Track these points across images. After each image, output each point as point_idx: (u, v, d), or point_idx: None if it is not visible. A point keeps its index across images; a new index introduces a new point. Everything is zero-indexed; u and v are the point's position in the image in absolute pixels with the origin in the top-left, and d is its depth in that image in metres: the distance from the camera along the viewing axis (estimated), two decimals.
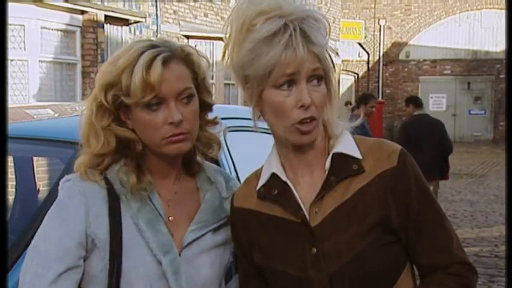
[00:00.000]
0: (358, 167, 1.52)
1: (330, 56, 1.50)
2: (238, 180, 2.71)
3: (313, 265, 1.51)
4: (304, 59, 1.44)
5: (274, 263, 1.57)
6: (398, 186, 1.51)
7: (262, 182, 1.60)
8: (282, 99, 1.47)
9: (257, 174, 1.64)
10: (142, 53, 1.56)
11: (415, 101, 8.52)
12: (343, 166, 1.53)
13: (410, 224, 1.52)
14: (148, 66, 1.53)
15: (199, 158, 1.73)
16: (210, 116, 1.74)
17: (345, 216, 1.50)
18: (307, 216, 1.53)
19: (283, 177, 1.57)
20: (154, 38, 1.64)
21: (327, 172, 1.54)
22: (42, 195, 3.19)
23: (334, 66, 1.52)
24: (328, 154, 1.55)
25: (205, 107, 1.69)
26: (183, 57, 1.62)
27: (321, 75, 1.48)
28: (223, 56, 1.53)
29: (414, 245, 1.54)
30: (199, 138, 1.68)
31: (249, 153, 3.21)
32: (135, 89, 1.53)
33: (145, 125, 1.57)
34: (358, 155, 1.54)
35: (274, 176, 1.58)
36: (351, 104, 17.83)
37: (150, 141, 1.59)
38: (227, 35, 1.51)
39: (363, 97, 8.85)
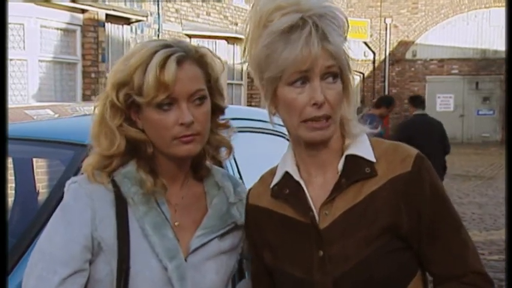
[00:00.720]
0: (370, 170, 1.51)
1: (346, 54, 1.49)
2: (242, 181, 2.71)
3: (318, 268, 1.51)
4: (318, 56, 1.43)
5: (282, 263, 1.58)
6: (411, 191, 1.49)
7: (276, 180, 1.61)
8: (294, 96, 1.47)
9: (272, 172, 1.64)
10: (156, 52, 1.56)
11: (413, 101, 8.53)
12: (355, 169, 1.52)
13: (423, 230, 1.50)
14: (162, 65, 1.54)
15: (208, 163, 1.73)
16: (222, 119, 1.74)
17: (354, 220, 1.50)
18: (317, 218, 1.53)
19: (296, 177, 1.57)
20: (167, 38, 1.66)
21: (339, 174, 1.53)
22: (42, 197, 3.19)
23: (349, 65, 1.50)
24: (343, 155, 1.55)
25: (217, 110, 1.69)
26: (197, 58, 1.62)
27: (336, 73, 1.47)
28: (243, 53, 1.53)
29: (427, 252, 1.52)
30: (209, 141, 1.68)
31: (252, 154, 3.21)
32: (148, 88, 1.53)
33: (156, 125, 1.57)
34: (372, 158, 1.53)
35: (287, 174, 1.59)
36: None
37: (160, 141, 1.59)
38: (246, 33, 1.51)
39: (387, 100, 8.81)
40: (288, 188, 1.58)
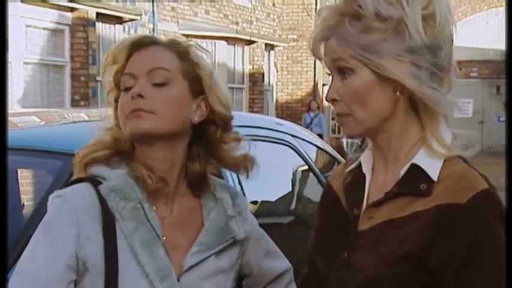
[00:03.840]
0: (426, 188, 1.46)
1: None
2: (243, 192, 2.71)
3: (337, 269, 1.51)
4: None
5: (316, 251, 1.60)
6: (453, 227, 1.41)
7: (352, 165, 1.62)
8: None
9: (358, 156, 1.65)
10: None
11: None
12: (411, 180, 1.49)
13: (451, 273, 1.41)
14: (120, 49, 1.66)
15: (210, 179, 1.73)
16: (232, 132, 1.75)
17: (387, 234, 1.47)
18: (360, 218, 1.53)
19: (364, 168, 1.58)
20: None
21: (398, 179, 1.51)
22: (27, 210, 3.20)
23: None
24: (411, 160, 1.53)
25: (219, 120, 1.70)
26: (180, 51, 1.66)
27: (347, 67, 1.47)
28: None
29: None
30: (222, 160, 1.72)
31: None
32: (110, 72, 1.67)
33: (120, 105, 1.64)
34: (434, 176, 1.47)
35: (360, 164, 1.60)
36: (317, 105, 17.29)
37: (121, 121, 1.64)
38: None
39: None
40: (351, 177, 1.60)
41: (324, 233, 1.61)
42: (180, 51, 1.67)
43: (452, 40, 1.50)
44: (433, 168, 1.48)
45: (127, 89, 1.62)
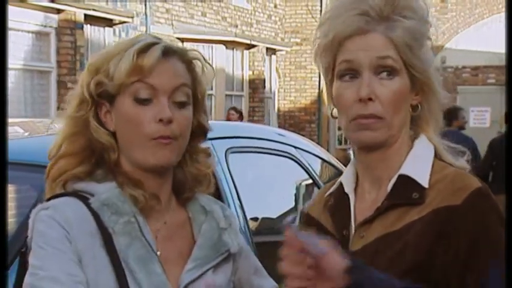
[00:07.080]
0: (419, 196, 1.50)
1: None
2: (242, 208, 2.72)
3: None
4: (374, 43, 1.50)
5: None
6: (452, 229, 1.45)
7: (332, 189, 1.65)
8: (341, 91, 1.54)
9: (336, 180, 1.67)
10: (140, 40, 1.62)
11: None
12: (402, 191, 1.52)
13: (455, 277, 1.45)
14: (143, 50, 1.59)
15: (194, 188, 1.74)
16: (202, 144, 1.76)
17: (385, 250, 1.50)
18: (351, 239, 1.55)
19: (346, 189, 1.60)
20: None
21: (387, 193, 1.54)
22: (10, 227, 3.20)
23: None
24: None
25: (200, 132, 1.72)
26: (186, 61, 1.67)
27: (393, 68, 1.49)
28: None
29: None
30: (188, 170, 1.71)
31: (254, 177, 3.22)
32: (120, 71, 1.58)
33: (130, 119, 1.61)
34: (425, 183, 1.51)
35: (341, 185, 1.62)
36: (239, 114, 17.00)
37: (135, 142, 1.61)
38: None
39: (453, 111, 8.93)
40: (334, 199, 1.62)
41: None
42: (186, 61, 1.67)
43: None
44: (422, 175, 1.52)
45: (141, 101, 1.60)
